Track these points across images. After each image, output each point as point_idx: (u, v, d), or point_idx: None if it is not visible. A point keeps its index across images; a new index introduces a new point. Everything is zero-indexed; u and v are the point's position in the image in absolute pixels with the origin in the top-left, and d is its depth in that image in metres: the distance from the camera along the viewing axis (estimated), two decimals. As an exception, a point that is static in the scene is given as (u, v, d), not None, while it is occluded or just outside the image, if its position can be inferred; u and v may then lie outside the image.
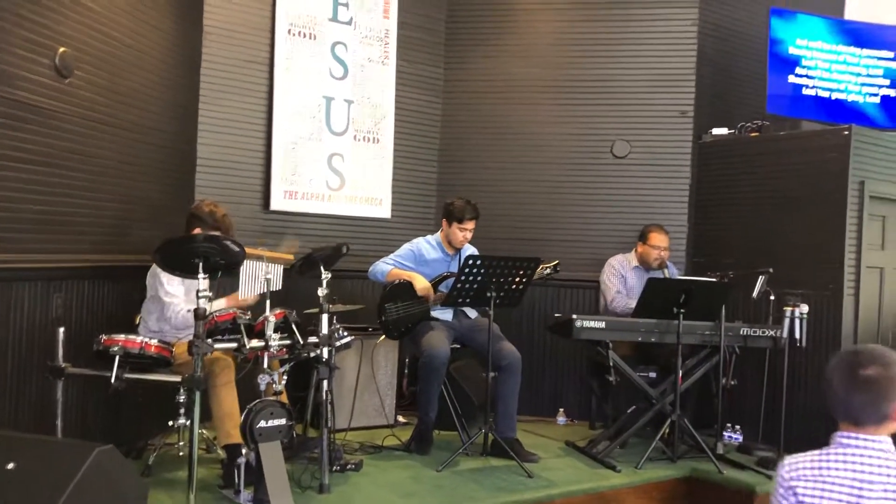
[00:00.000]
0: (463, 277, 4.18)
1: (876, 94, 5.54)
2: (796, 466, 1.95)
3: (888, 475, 1.86)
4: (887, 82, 5.55)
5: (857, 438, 1.91)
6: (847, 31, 5.52)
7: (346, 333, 4.13)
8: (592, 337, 4.48)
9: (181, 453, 3.97)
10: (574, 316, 4.42)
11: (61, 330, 3.42)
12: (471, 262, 4.15)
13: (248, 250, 3.46)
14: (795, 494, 1.92)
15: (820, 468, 1.92)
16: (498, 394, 4.41)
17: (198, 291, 3.21)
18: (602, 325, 4.47)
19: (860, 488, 1.86)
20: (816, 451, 1.95)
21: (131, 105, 4.20)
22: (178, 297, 3.84)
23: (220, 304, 3.87)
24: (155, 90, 4.44)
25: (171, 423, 3.86)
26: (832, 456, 1.92)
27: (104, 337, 3.52)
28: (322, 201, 5.42)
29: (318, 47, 5.38)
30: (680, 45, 5.60)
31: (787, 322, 4.54)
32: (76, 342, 3.71)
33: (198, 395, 3.23)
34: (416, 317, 4.53)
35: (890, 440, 1.92)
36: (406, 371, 5.24)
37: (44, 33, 3.47)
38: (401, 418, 5.14)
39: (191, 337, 3.26)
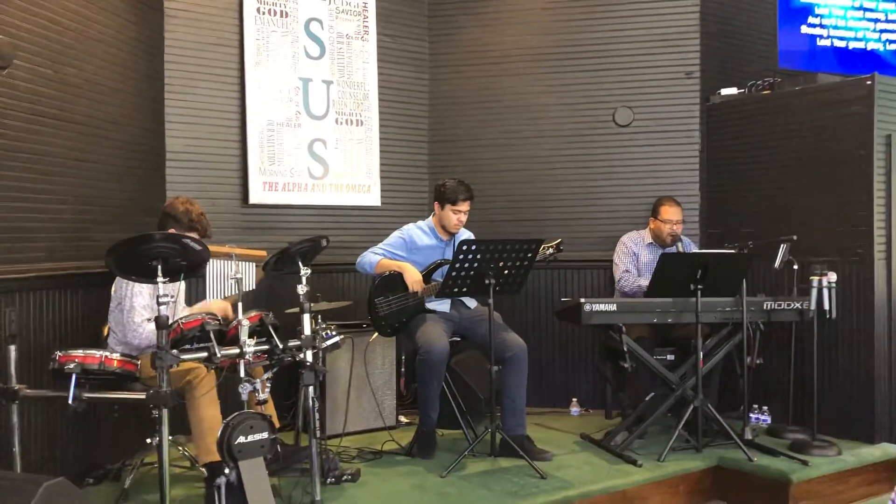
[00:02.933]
0: (458, 265, 3.82)
1: (896, 41, 5.14)
2: None
3: None
4: (908, 27, 5.14)
5: None
6: (863, -26, 5.12)
7: (333, 333, 3.77)
8: (603, 321, 4.14)
9: (161, 473, 3.64)
10: (582, 300, 4.07)
11: (12, 348, 3.09)
12: (465, 247, 3.78)
13: (213, 248, 3.11)
14: None
15: None
16: (504, 388, 4.07)
17: (157, 297, 2.86)
18: (613, 307, 4.11)
19: None
20: None
21: (84, 97, 3.83)
22: (145, 313, 3.46)
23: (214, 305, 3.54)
24: (112, 80, 4.07)
25: (149, 440, 3.52)
26: None
27: (59, 353, 3.17)
28: (305, 191, 5.05)
29: (291, 25, 5.00)
30: (681, 2, 5.20)
31: (814, 293, 4.18)
32: (35, 361, 3.38)
33: (165, 412, 2.89)
34: (411, 310, 4.18)
35: None
36: (403, 369, 4.88)
37: (-26, 19, 3.12)
38: (403, 418, 4.81)
39: (150, 346, 2.91)
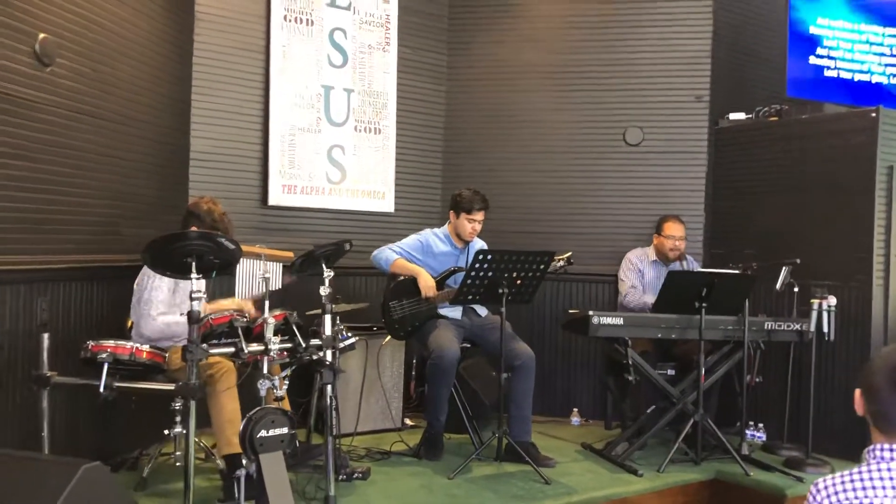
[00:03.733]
0: (473, 273, 3.95)
1: (900, 75, 5.30)
2: (830, 490, 1.68)
3: None
4: (912, 62, 5.31)
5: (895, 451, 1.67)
6: (870, 10, 5.27)
7: (349, 334, 3.89)
8: (610, 334, 4.26)
9: (178, 463, 3.72)
10: (591, 312, 4.20)
11: (46, 336, 3.19)
12: (481, 256, 3.91)
13: (244, 248, 3.23)
14: None
15: (855, 489, 1.66)
16: (511, 395, 4.19)
17: (191, 293, 2.98)
18: (620, 321, 4.24)
19: None
20: (852, 471, 1.69)
21: (118, 95, 3.95)
22: (161, 307, 3.58)
23: (226, 303, 3.65)
24: (144, 80, 4.20)
25: (166, 431, 3.64)
26: (874, 473, 1.67)
27: (92, 343, 3.29)
28: (322, 195, 5.18)
29: (316, 34, 5.14)
30: (695, 27, 5.36)
31: (814, 315, 4.31)
32: (64, 349, 3.49)
33: (193, 404, 3.01)
34: (424, 315, 4.30)
35: None
36: (413, 372, 5.00)
37: (23, 18, 3.23)
38: (408, 421, 4.92)
39: (184, 342, 3.02)
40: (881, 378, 1.70)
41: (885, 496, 1.64)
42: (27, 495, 2.52)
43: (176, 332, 3.58)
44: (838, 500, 1.67)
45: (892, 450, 1.67)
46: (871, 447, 1.71)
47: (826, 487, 1.70)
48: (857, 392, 1.76)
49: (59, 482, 2.52)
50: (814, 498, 1.71)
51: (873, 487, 1.65)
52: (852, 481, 1.68)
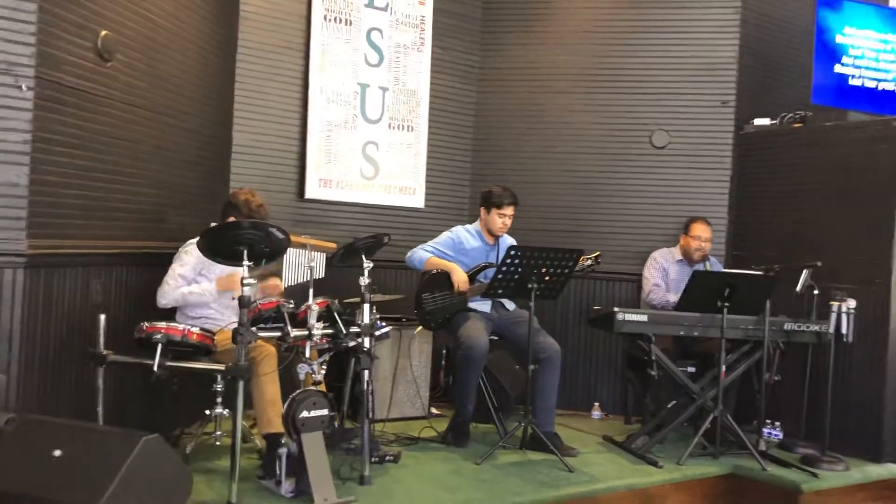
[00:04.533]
0: (504, 268, 4.11)
1: (923, 85, 5.41)
2: None
3: None
4: (935, 72, 5.41)
5: None
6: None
7: (383, 324, 4.06)
8: (634, 330, 4.40)
9: (217, 442, 3.91)
10: (616, 309, 4.34)
11: (102, 317, 3.37)
12: (513, 252, 4.07)
13: (292, 238, 3.40)
14: None
15: None
16: (537, 387, 4.33)
17: (242, 279, 3.16)
18: (644, 318, 4.38)
19: None
20: None
21: (168, 90, 4.14)
22: (180, 280, 3.79)
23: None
24: (192, 75, 4.38)
25: (207, 411, 3.83)
26: None
27: (146, 324, 3.47)
28: (356, 190, 5.36)
29: (354, 33, 5.31)
30: (722, 34, 5.48)
31: (833, 317, 4.44)
32: (114, 329, 3.66)
33: (241, 384, 3.18)
34: (454, 307, 4.46)
35: None
36: (443, 362, 5.17)
37: (87, 16, 3.42)
38: (434, 410, 5.08)
39: (234, 325, 3.20)
40: None
41: None
42: (90, 465, 2.70)
43: (190, 301, 3.80)
44: None
45: None
46: None
47: None
48: None
49: (121, 453, 2.71)
50: None
51: None
52: None
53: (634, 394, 5.21)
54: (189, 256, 3.80)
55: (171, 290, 3.79)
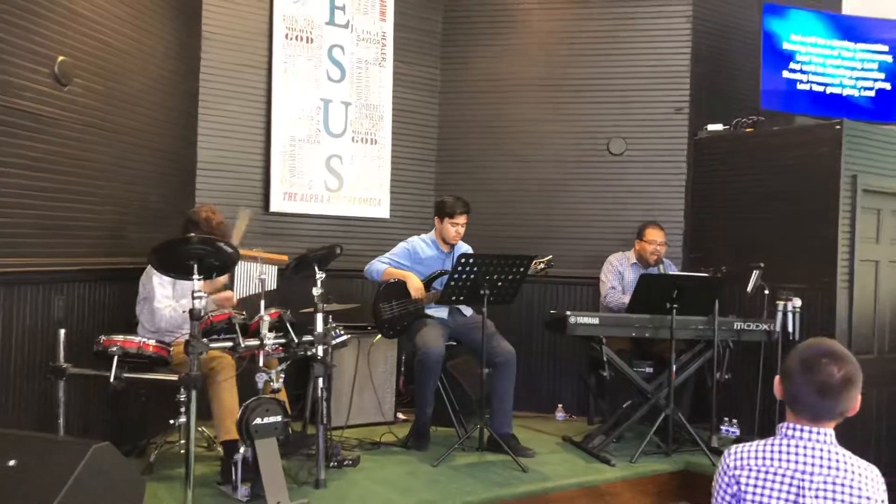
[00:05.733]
0: (456, 276, 4.24)
1: (871, 88, 5.55)
2: (741, 456, 1.97)
3: (829, 467, 1.88)
4: (882, 76, 5.56)
5: (801, 430, 1.93)
6: (841, 26, 5.54)
7: (342, 332, 4.20)
8: (586, 333, 4.53)
9: (182, 451, 4.04)
10: (568, 312, 4.47)
11: (62, 332, 3.51)
12: (463, 260, 4.21)
13: (242, 252, 3.54)
14: (738, 483, 1.95)
15: (764, 458, 1.94)
16: (493, 390, 4.46)
17: (192, 292, 3.29)
18: (595, 321, 4.52)
19: (801, 479, 1.89)
20: (762, 441, 1.98)
21: (130, 111, 4.28)
22: (166, 301, 3.91)
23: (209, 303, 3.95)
24: (154, 95, 4.53)
25: (172, 421, 3.95)
26: (776, 447, 1.94)
27: (103, 338, 3.61)
28: (321, 202, 5.50)
29: (316, 50, 5.46)
30: (675, 43, 5.64)
31: (779, 316, 4.58)
32: (77, 343, 3.80)
33: (193, 393, 3.31)
34: (411, 315, 4.60)
35: (832, 432, 1.94)
36: (403, 369, 5.30)
37: (44, 43, 3.56)
38: (401, 415, 5.20)
39: (187, 337, 3.33)
40: (795, 365, 1.96)
41: (787, 467, 1.91)
42: (42, 473, 2.82)
43: (182, 321, 3.91)
44: (747, 465, 1.95)
45: (797, 428, 1.95)
46: (782, 424, 1.98)
47: (737, 451, 1.99)
48: (776, 379, 2.02)
49: (71, 461, 2.82)
50: (725, 460, 2.00)
51: (779, 459, 1.93)
52: (761, 450, 1.96)
53: (592, 395, 5.34)
54: (162, 278, 3.91)
55: (172, 311, 3.90)
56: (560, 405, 5.58)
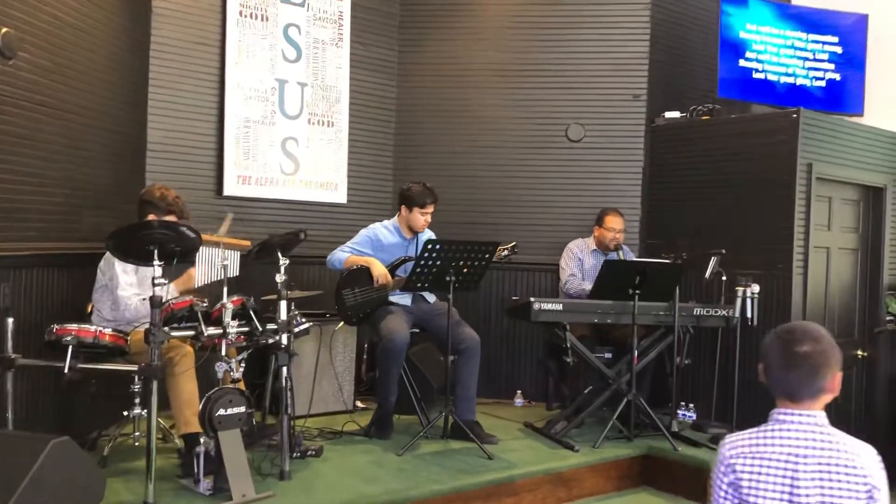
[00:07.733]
0: (422, 262, 4.17)
1: (822, 78, 5.68)
2: (736, 444, 2.00)
3: (822, 448, 1.91)
4: (832, 66, 5.69)
5: (792, 414, 1.96)
6: (794, 17, 5.64)
7: (303, 320, 4.09)
8: (550, 319, 4.52)
9: (136, 443, 3.88)
10: (532, 299, 4.46)
11: (10, 320, 3.32)
12: (430, 246, 4.14)
13: (204, 237, 3.40)
14: (735, 471, 1.97)
15: (757, 444, 1.96)
16: (457, 377, 4.42)
17: (153, 279, 3.15)
18: (559, 307, 4.51)
19: (795, 463, 1.91)
20: (755, 429, 2.00)
21: (78, 88, 4.07)
22: (131, 289, 3.74)
23: (171, 290, 3.80)
24: (102, 72, 4.31)
25: (125, 412, 3.79)
26: (769, 432, 1.97)
27: (56, 326, 3.43)
28: (276, 186, 5.35)
29: (271, 29, 5.29)
30: (634, 30, 5.65)
31: (738, 302, 4.65)
32: (25, 332, 3.60)
33: (155, 384, 3.17)
34: (375, 302, 4.51)
35: (823, 414, 1.97)
36: (365, 356, 5.21)
37: (-15, 13, 3.35)
38: (359, 404, 5.13)
39: (146, 325, 3.19)
40: (771, 345, 1.99)
41: (780, 451, 1.93)
42: (0, 469, 2.67)
43: (147, 311, 3.74)
44: (742, 453, 1.97)
45: (787, 412, 1.96)
46: (774, 410, 2.00)
47: (732, 440, 2.02)
48: (760, 366, 2.04)
49: (30, 456, 2.68)
50: (721, 451, 2.03)
51: (772, 444, 1.95)
52: (755, 437, 1.99)
53: (554, 381, 5.35)
54: (125, 265, 3.72)
55: (137, 300, 3.72)
56: (519, 391, 5.58)
